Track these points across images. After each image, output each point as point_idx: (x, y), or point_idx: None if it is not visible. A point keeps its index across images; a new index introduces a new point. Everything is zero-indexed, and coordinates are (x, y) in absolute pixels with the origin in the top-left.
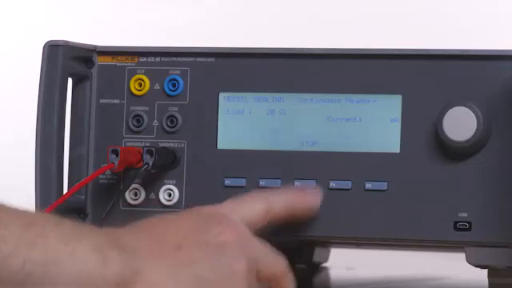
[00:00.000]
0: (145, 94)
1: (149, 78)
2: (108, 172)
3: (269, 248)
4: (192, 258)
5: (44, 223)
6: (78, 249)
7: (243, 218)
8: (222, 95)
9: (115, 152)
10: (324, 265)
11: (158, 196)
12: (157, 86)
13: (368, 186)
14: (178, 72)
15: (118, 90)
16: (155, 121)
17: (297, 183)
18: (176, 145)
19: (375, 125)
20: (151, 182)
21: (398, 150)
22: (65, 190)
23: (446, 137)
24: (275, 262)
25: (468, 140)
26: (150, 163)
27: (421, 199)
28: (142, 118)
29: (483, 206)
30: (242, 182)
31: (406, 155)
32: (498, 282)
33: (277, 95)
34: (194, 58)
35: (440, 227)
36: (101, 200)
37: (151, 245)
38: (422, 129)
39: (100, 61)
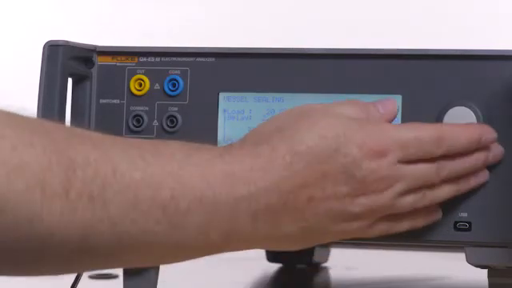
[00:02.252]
0: (145, 94)
1: (149, 78)
2: None
3: None
4: None
5: (172, 153)
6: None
7: None
8: (221, 95)
9: None
10: (324, 265)
11: None
12: (157, 86)
13: None
14: (178, 72)
15: (118, 90)
16: (155, 121)
17: None
18: None
19: None
20: None
21: None
22: None
23: None
24: None
25: None
26: None
27: None
28: (141, 118)
29: (483, 206)
30: None
31: None
32: (497, 282)
33: (277, 95)
34: (194, 58)
35: (440, 227)
36: None
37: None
38: None
39: (100, 61)
